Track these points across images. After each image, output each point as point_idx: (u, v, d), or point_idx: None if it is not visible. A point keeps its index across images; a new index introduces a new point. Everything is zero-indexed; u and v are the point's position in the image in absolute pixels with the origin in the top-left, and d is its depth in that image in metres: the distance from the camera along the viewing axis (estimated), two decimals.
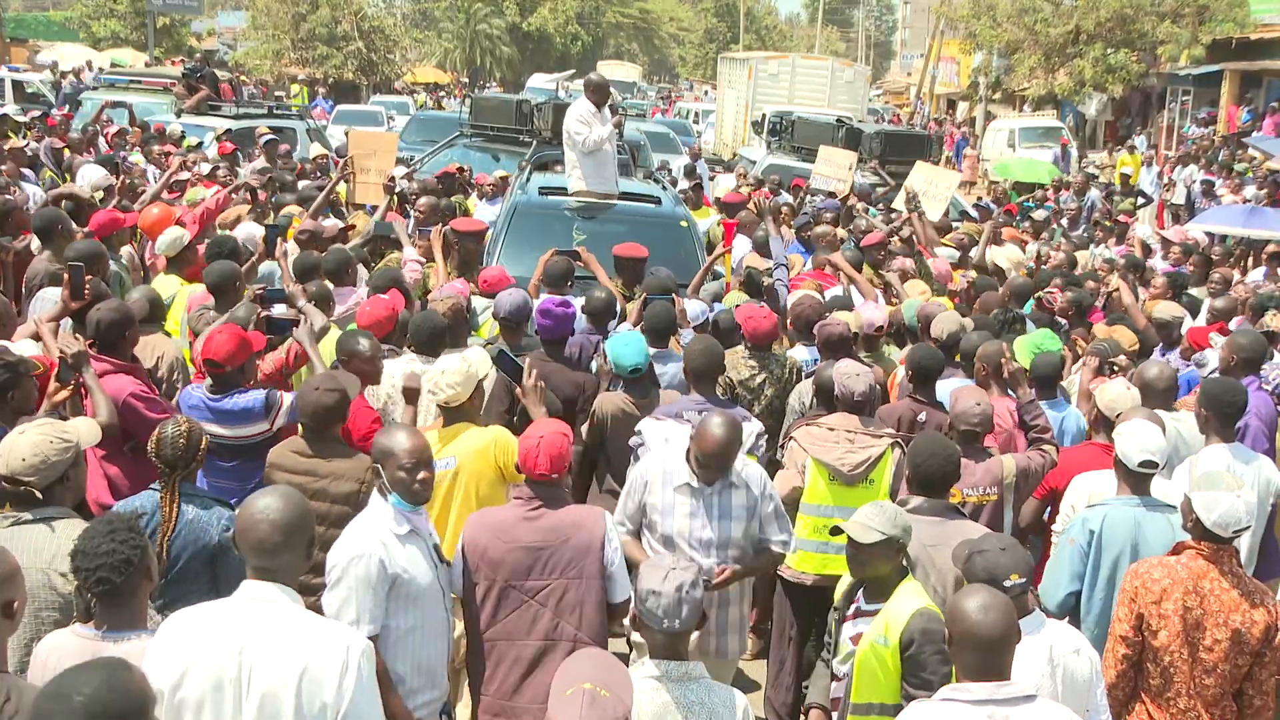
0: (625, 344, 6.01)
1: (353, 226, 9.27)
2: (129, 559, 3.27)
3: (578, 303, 6.93)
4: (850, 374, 5.53)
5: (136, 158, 13.31)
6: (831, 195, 12.56)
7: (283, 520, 3.20)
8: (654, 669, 3.32)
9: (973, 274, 9.45)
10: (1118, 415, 5.30)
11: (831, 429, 5.43)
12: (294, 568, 3.26)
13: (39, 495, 3.82)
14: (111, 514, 3.53)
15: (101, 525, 3.36)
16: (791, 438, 5.54)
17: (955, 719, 3.27)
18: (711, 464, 4.64)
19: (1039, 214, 15.56)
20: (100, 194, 9.49)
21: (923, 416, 5.98)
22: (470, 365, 4.84)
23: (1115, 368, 6.50)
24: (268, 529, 3.18)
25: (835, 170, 13.01)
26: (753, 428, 5.61)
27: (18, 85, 24.16)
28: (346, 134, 13.16)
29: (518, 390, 5.28)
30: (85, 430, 4.30)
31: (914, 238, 10.25)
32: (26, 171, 11.81)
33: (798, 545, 5.32)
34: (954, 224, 12.02)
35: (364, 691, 3.11)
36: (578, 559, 4.18)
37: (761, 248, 9.41)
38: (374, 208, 10.04)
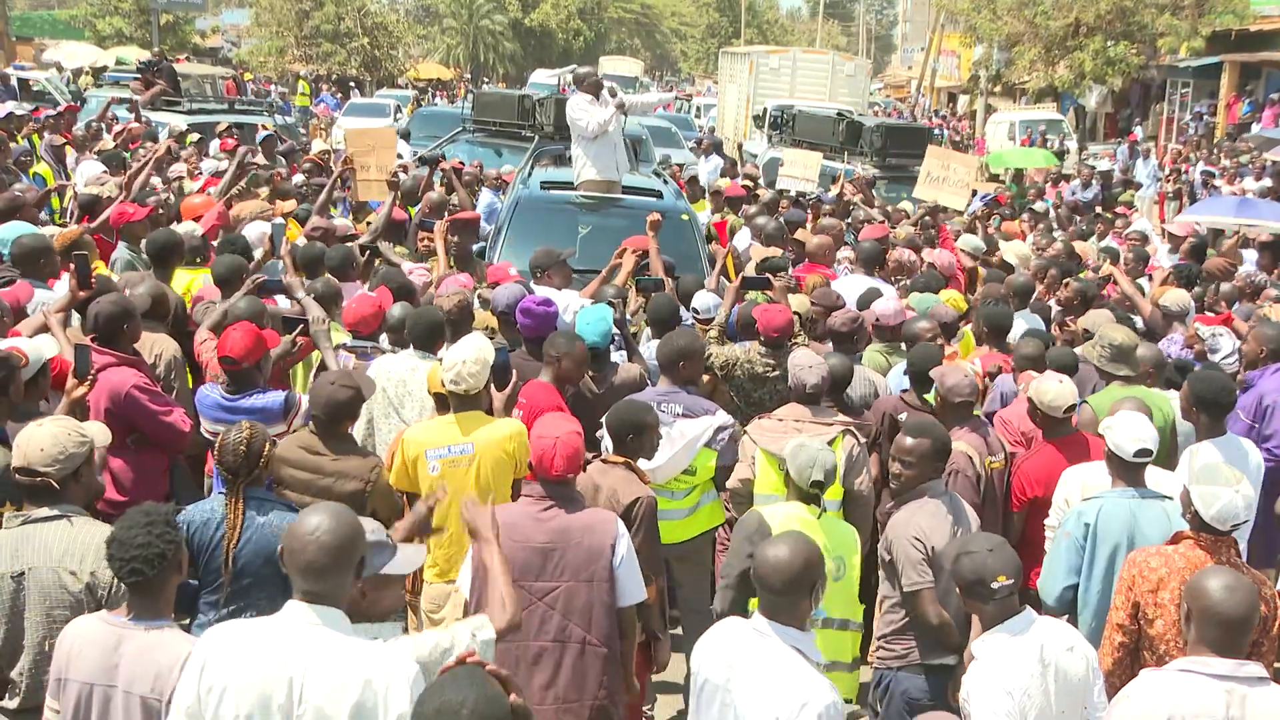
0: (588, 320, 5.97)
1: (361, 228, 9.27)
2: (163, 553, 3.30)
3: (567, 301, 6.97)
4: (804, 365, 5.51)
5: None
6: (802, 195, 12.59)
7: (332, 542, 3.07)
8: None
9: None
10: (1066, 409, 5.39)
11: (781, 420, 5.44)
12: (341, 590, 3.13)
13: (56, 487, 3.79)
14: (151, 506, 3.47)
15: (140, 516, 3.36)
16: (744, 432, 5.52)
17: (1194, 692, 3.34)
18: None
19: (1039, 205, 15.58)
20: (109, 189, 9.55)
21: (904, 416, 5.88)
22: (484, 355, 4.86)
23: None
24: (316, 551, 3.05)
25: (803, 171, 13.04)
26: (714, 421, 5.49)
27: (24, 83, 24.18)
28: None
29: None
30: (97, 431, 4.30)
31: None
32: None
33: None
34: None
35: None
36: (589, 562, 4.12)
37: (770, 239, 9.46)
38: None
